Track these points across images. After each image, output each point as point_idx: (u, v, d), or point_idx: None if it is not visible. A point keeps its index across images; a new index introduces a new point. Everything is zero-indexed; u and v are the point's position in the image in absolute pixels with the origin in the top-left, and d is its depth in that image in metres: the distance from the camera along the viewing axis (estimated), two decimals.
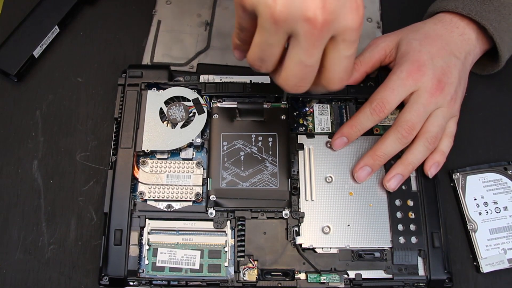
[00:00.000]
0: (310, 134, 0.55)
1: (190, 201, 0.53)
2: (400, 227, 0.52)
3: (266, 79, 0.58)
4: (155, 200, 0.53)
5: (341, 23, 0.38)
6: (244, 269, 0.51)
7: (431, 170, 0.53)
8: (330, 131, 0.56)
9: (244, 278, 0.50)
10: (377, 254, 0.51)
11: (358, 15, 0.38)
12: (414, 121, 0.51)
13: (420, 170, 0.54)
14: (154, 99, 0.56)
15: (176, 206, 0.53)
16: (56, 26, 0.62)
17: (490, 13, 0.55)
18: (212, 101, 0.56)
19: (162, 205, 0.53)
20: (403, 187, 0.53)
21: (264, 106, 0.56)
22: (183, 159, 0.54)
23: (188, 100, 0.56)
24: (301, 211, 0.52)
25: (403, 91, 0.52)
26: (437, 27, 0.56)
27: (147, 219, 0.52)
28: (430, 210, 0.52)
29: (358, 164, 0.53)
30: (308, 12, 0.36)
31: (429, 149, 0.52)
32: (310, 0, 0.36)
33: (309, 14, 0.36)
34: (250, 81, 0.57)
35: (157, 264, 0.50)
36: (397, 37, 0.56)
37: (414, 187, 0.53)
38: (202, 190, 0.53)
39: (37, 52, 0.61)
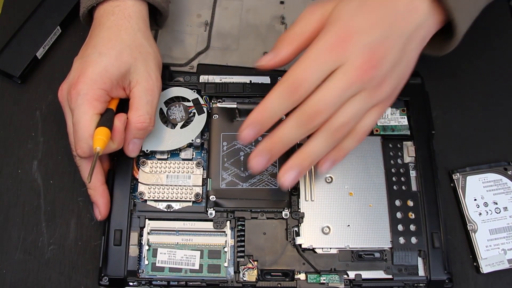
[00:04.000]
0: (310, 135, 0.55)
1: (190, 201, 0.53)
2: (400, 227, 0.52)
3: (266, 80, 0.58)
4: (155, 201, 0.53)
5: None
6: (244, 269, 0.51)
7: (323, 166, 0.46)
8: None
9: (244, 279, 0.50)
10: (377, 255, 0.51)
11: None
12: (322, 107, 0.42)
13: (420, 170, 0.53)
14: None
15: (176, 206, 0.53)
16: (58, 27, 0.62)
17: None
18: (212, 101, 0.56)
19: (161, 206, 0.53)
20: (403, 187, 0.53)
21: None
22: (183, 160, 0.54)
23: (188, 100, 0.56)
24: (301, 211, 0.52)
25: (324, 66, 0.42)
26: None
27: (146, 220, 0.52)
28: (430, 210, 0.52)
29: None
30: None
31: (330, 143, 0.44)
32: None
33: None
34: (250, 81, 0.57)
35: (157, 265, 0.50)
36: (335, 2, 0.45)
37: (414, 187, 0.53)
38: (202, 191, 0.53)
39: (39, 53, 0.61)
